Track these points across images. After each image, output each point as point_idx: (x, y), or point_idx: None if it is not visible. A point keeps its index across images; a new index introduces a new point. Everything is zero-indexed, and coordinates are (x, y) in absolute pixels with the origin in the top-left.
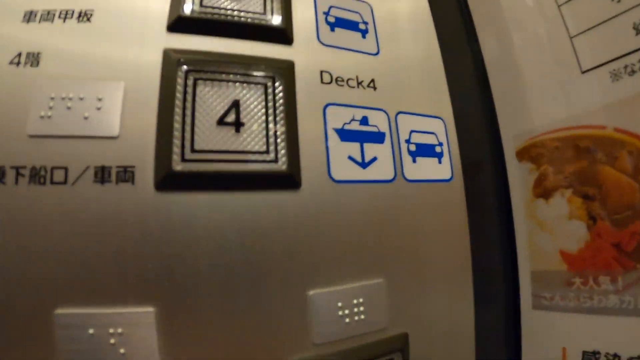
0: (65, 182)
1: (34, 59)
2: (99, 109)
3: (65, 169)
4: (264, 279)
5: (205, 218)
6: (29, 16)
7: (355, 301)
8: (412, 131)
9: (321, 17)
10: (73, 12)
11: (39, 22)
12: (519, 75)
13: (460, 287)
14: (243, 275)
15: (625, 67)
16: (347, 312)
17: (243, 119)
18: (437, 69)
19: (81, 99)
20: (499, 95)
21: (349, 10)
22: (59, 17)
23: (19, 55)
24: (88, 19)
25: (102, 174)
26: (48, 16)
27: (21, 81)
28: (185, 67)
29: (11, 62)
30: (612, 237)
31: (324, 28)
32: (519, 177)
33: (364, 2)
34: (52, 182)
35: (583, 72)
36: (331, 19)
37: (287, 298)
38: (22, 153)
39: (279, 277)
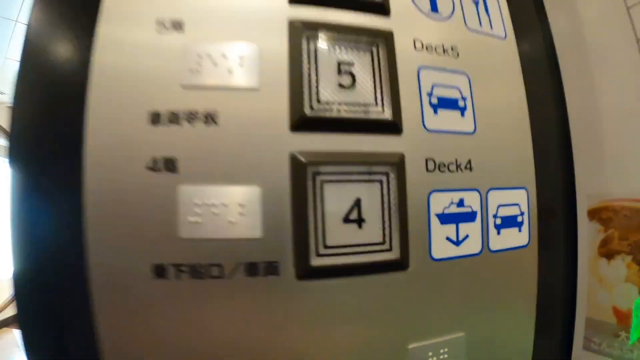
0: (221, 276)
1: (170, 165)
2: (242, 214)
3: (220, 266)
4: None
5: (339, 300)
6: (155, 119)
7: (441, 351)
8: (499, 205)
9: (425, 100)
10: (197, 113)
11: (167, 125)
12: (604, 137)
13: (523, 335)
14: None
15: None
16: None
17: (364, 216)
18: (525, 133)
19: (225, 205)
20: (579, 151)
21: (450, 87)
22: (186, 120)
23: (155, 161)
24: (214, 122)
25: (251, 269)
26: (174, 118)
27: (163, 185)
28: (312, 169)
29: (148, 168)
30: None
31: (428, 112)
32: (587, 235)
33: (462, 73)
34: (210, 277)
35: None
36: (434, 100)
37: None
38: (179, 252)
39: (383, 333)
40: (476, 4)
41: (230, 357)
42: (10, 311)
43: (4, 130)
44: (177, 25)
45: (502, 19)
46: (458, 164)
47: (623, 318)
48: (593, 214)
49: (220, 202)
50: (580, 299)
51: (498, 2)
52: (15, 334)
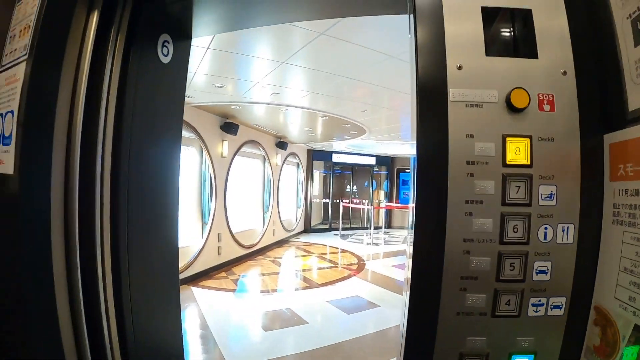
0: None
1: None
2: None
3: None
4: None
5: (500, 324)
6: None
7: (526, 341)
8: (554, 301)
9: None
10: None
11: None
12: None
13: (557, 340)
14: None
15: None
16: None
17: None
18: (570, 276)
19: None
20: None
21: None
22: None
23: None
24: None
25: None
26: None
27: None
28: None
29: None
30: (605, 348)
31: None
32: (591, 318)
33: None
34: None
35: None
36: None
37: None
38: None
39: (509, 334)
40: None
41: None
42: (189, 272)
43: (192, 127)
44: None
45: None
46: (542, 289)
47: (595, 348)
48: (595, 309)
49: None
50: (585, 342)
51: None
52: (193, 291)
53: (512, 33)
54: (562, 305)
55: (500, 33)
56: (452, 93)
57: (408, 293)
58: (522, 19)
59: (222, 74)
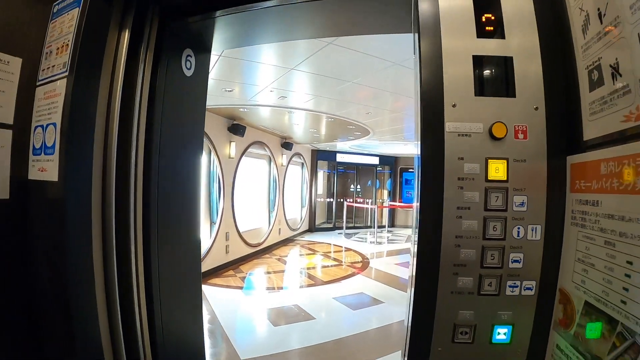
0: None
1: None
2: None
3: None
4: None
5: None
6: None
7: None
8: (526, 284)
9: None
10: None
11: None
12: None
13: (527, 320)
14: None
15: None
16: None
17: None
18: (537, 272)
19: None
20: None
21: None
22: None
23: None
24: None
25: None
26: None
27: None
28: None
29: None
30: (566, 320)
31: None
32: (557, 298)
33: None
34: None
35: None
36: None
37: None
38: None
39: (488, 316)
40: None
41: None
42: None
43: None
44: None
45: None
46: (517, 274)
47: (559, 321)
48: (560, 291)
49: None
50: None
51: None
52: (202, 288)
53: (496, 77)
54: (533, 287)
55: (487, 77)
56: (448, 126)
57: (414, 275)
58: (505, 65)
59: (231, 79)
